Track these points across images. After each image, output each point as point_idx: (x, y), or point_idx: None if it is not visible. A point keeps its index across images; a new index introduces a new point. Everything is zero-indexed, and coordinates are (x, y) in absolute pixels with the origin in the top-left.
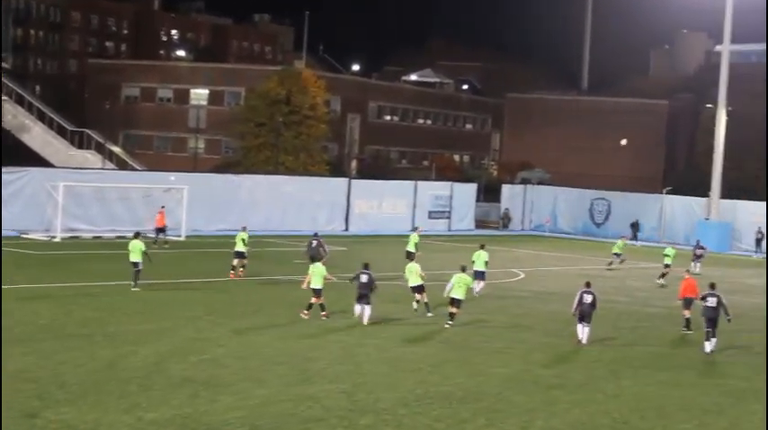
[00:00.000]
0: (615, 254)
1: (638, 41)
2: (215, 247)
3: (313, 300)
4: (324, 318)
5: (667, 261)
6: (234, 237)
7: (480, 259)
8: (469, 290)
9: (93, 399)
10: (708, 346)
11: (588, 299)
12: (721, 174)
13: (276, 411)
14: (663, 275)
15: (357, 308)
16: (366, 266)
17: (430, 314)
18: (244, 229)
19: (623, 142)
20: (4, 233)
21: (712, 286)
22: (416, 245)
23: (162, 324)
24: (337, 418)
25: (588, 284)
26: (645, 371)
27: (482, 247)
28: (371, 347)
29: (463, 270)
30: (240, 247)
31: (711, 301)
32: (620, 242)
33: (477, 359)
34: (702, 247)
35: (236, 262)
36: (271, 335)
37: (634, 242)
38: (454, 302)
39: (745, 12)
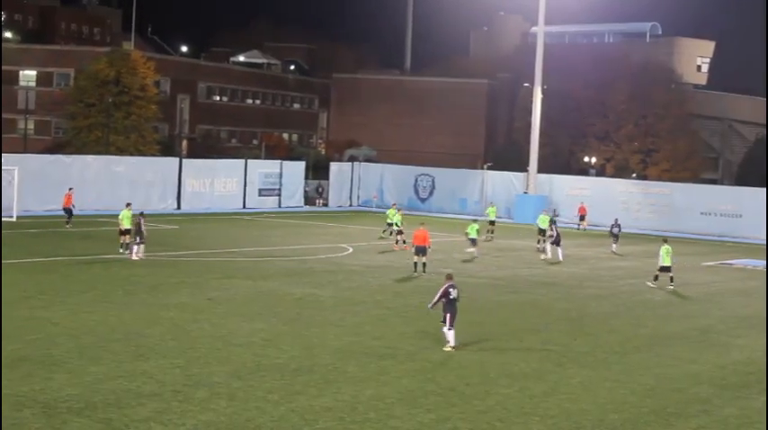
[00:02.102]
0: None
1: (458, 23)
2: (46, 228)
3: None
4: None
5: (473, 235)
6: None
7: (667, 255)
8: None
9: None
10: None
11: (454, 294)
12: (538, 150)
13: (111, 387)
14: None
15: None
16: None
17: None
18: (128, 206)
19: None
20: None
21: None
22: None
23: None
24: (172, 393)
25: (451, 277)
26: (469, 340)
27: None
28: (205, 323)
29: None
30: (126, 225)
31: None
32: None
33: (310, 332)
34: (619, 226)
35: (124, 238)
36: (104, 312)
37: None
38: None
39: None
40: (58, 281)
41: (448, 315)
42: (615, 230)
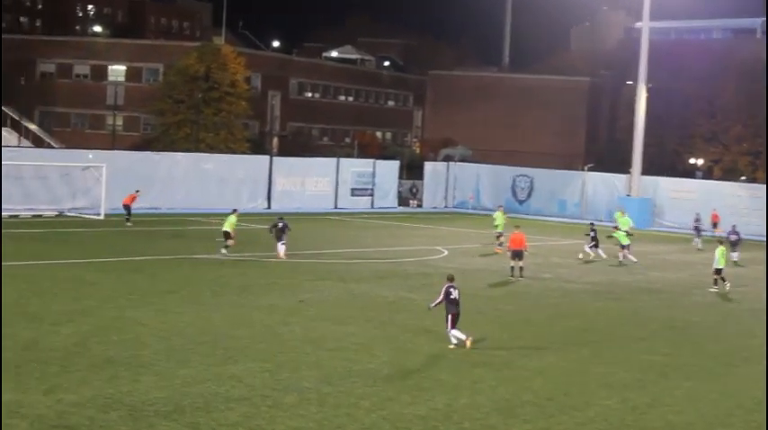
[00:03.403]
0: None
1: (558, 18)
2: (134, 227)
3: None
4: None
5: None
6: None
7: (722, 256)
8: None
9: (12, 381)
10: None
11: (455, 294)
12: (642, 151)
13: (199, 391)
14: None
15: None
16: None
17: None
18: (234, 212)
19: None
20: None
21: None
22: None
23: (83, 303)
24: (261, 397)
25: (452, 278)
26: (568, 347)
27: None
28: (296, 326)
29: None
30: (227, 227)
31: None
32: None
33: (403, 337)
34: (737, 233)
35: (224, 240)
36: (193, 313)
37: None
38: None
39: None
40: (146, 281)
41: (450, 316)
42: (733, 238)
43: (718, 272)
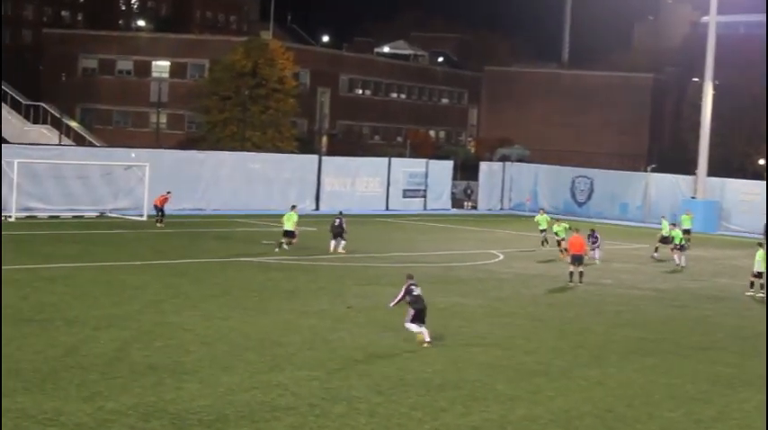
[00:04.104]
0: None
1: (621, 13)
2: (179, 228)
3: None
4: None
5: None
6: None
7: (763, 260)
8: None
9: (52, 388)
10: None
11: (417, 291)
12: (708, 151)
13: (245, 399)
14: (657, 249)
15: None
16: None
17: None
18: (293, 209)
19: None
20: None
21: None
22: (565, 229)
23: (124, 308)
24: (309, 406)
25: (411, 276)
26: (630, 356)
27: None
28: (344, 332)
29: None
30: (289, 226)
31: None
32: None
33: (456, 345)
34: None
35: (284, 240)
36: (238, 319)
37: None
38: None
39: None
40: (190, 284)
41: (413, 312)
42: None
43: (758, 275)
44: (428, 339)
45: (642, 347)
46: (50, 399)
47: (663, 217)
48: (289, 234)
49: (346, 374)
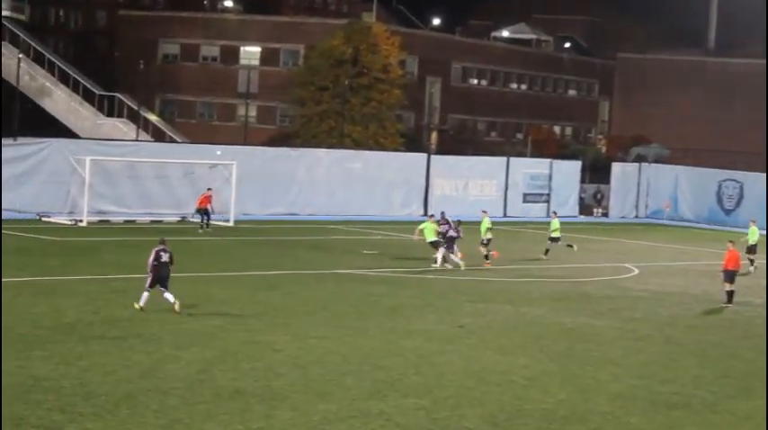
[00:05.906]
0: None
1: None
2: (269, 235)
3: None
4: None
5: None
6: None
7: None
8: None
9: (126, 414)
10: None
11: (165, 257)
12: None
13: (342, 429)
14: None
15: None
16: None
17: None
18: (430, 218)
19: None
20: (21, 216)
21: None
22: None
23: (208, 324)
24: None
25: (163, 241)
26: None
27: None
28: (455, 355)
29: None
30: (431, 237)
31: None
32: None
33: (583, 371)
34: None
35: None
36: (335, 338)
37: None
38: None
39: None
40: (282, 299)
41: (152, 277)
42: None
43: None
44: (172, 300)
45: None
46: (124, 426)
47: (752, 221)
48: (434, 245)
49: (456, 403)
